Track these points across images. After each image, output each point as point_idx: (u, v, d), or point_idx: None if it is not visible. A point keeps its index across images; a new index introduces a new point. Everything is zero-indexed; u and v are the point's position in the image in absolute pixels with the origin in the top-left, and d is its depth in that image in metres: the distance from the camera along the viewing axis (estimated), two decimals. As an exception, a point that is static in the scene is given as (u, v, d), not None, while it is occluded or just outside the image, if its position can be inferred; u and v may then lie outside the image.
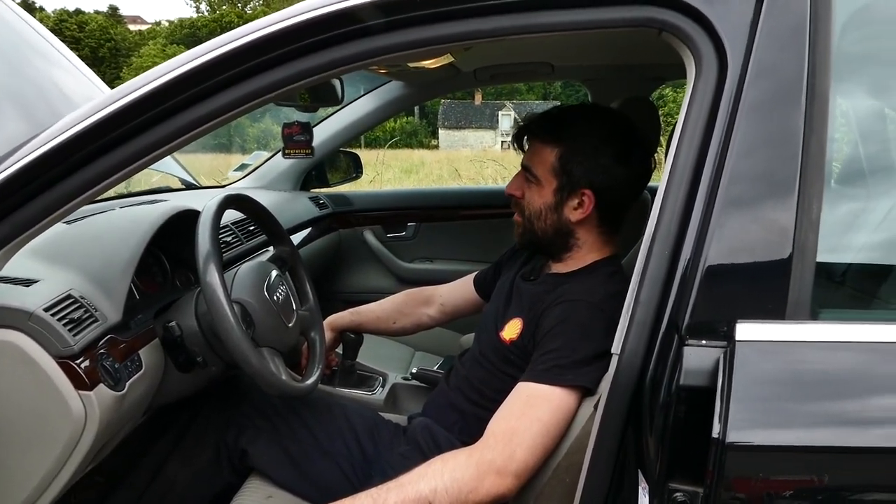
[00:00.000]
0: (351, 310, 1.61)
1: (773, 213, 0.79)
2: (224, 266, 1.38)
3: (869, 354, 0.75)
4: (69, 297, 1.05)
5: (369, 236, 2.43)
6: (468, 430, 1.17)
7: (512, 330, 1.18)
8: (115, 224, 1.30)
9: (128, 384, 1.08)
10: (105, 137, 0.90)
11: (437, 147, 30.26)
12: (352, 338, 1.61)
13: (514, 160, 1.26)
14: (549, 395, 1.01)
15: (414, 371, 1.71)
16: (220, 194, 1.27)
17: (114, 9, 50.52)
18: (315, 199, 2.33)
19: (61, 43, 2.14)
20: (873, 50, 0.91)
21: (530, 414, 1.01)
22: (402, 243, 2.44)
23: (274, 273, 1.31)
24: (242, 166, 2.49)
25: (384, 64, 1.40)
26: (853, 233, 0.85)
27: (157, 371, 1.20)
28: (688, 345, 0.77)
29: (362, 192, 2.68)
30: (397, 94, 2.18)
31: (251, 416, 1.33)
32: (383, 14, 0.91)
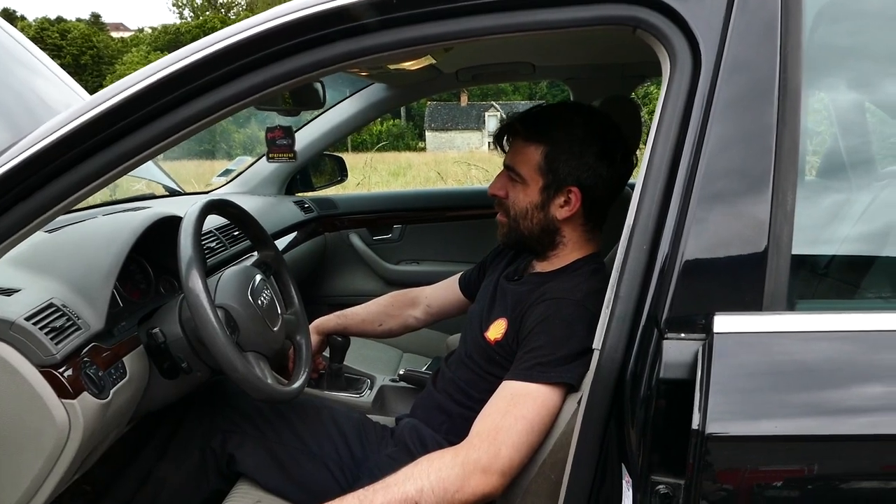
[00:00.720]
0: (337, 313, 1.61)
1: (748, 206, 0.80)
2: (209, 271, 1.38)
3: (847, 343, 0.76)
4: (51, 305, 1.05)
5: (355, 239, 2.43)
6: (455, 431, 1.18)
7: (496, 330, 1.19)
8: (97, 232, 1.30)
9: (112, 392, 1.08)
10: (84, 144, 0.89)
11: (424, 149, 30.27)
12: (339, 341, 1.61)
13: (500, 162, 1.27)
14: (533, 392, 1.02)
15: (401, 373, 1.71)
16: (201, 200, 1.27)
17: (96, 16, 50.16)
18: (300, 203, 2.33)
19: (41, 51, 2.13)
20: (845, 44, 0.93)
21: (515, 412, 1.01)
22: (388, 245, 2.45)
23: (258, 277, 1.31)
24: (226, 172, 2.49)
25: (364, 66, 1.40)
26: (829, 224, 0.86)
27: (142, 378, 1.19)
28: (667, 338, 0.78)
29: (347, 195, 2.67)
30: (380, 97, 2.19)
31: (237, 421, 1.33)
32: (362, 16, 0.92)
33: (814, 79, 0.88)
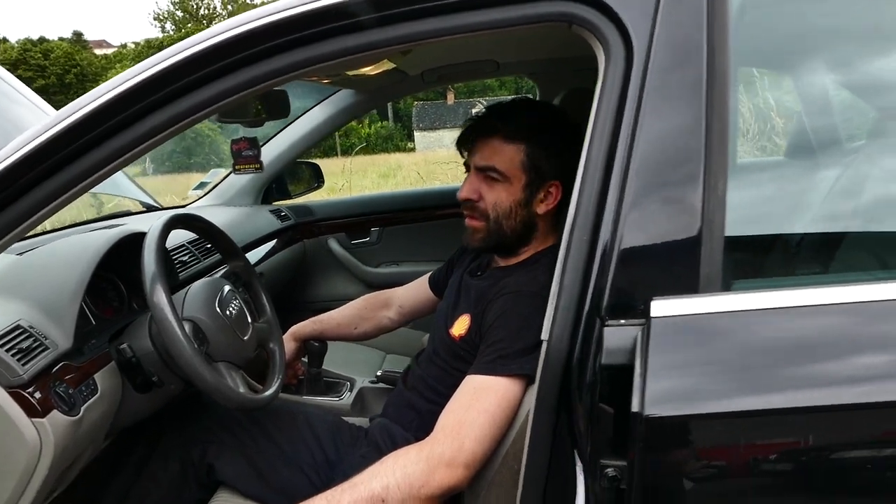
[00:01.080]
0: (312, 319, 1.63)
1: (680, 193, 0.82)
2: (181, 285, 1.40)
3: (779, 319, 0.78)
4: (18, 327, 1.07)
5: (334, 244, 2.45)
6: (425, 428, 1.19)
7: (460, 326, 1.21)
8: (63, 252, 1.31)
9: (83, 408, 1.10)
10: (47, 162, 0.92)
11: (413, 150, 30.26)
12: (316, 347, 1.63)
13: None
14: (494, 385, 1.04)
15: (379, 374, 1.73)
16: (165, 216, 1.29)
17: (78, 34, 49.97)
18: (276, 212, 2.34)
19: (8, 73, 2.14)
20: (772, 29, 0.95)
21: (477, 406, 1.03)
22: (366, 249, 2.47)
23: (226, 288, 1.33)
24: (201, 184, 2.50)
25: (318, 74, 1.42)
26: (760, 207, 0.88)
27: (115, 394, 1.21)
28: (608, 325, 0.80)
29: (324, 201, 2.69)
30: (348, 103, 2.20)
31: (215, 430, 1.35)
32: (304, 28, 0.95)
33: (742, 66, 0.90)
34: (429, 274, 1.59)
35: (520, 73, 2.30)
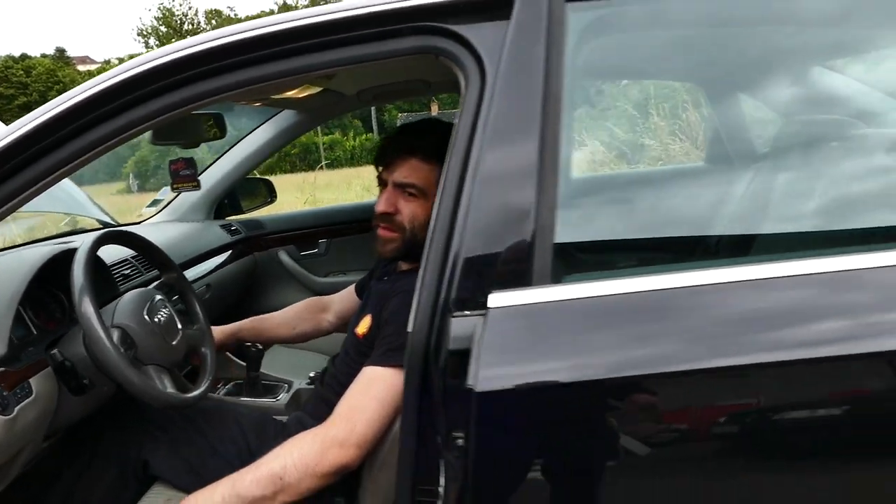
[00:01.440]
0: (252, 318, 1.75)
1: (517, 202, 0.95)
2: (119, 296, 1.51)
3: (601, 306, 0.91)
4: None
5: (284, 256, 2.57)
6: (335, 419, 1.32)
7: (363, 326, 1.33)
8: (1, 267, 1.43)
9: (17, 409, 1.21)
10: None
11: (397, 161, 30.29)
12: (253, 351, 1.75)
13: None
14: (383, 375, 1.17)
15: (312, 375, 1.85)
16: (97, 233, 1.40)
17: (61, 51, 49.78)
18: (227, 227, 2.46)
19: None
20: (607, 55, 1.09)
21: (369, 393, 1.16)
22: (315, 260, 2.59)
23: (157, 297, 1.45)
24: (154, 202, 2.62)
25: (233, 100, 1.54)
26: (587, 209, 1.02)
27: (50, 396, 1.32)
28: (454, 316, 0.93)
29: (274, 216, 2.81)
30: (291, 122, 2.33)
31: (150, 430, 1.46)
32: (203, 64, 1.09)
33: (577, 89, 1.03)
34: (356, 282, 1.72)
35: (451, 91, 2.44)
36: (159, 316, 1.41)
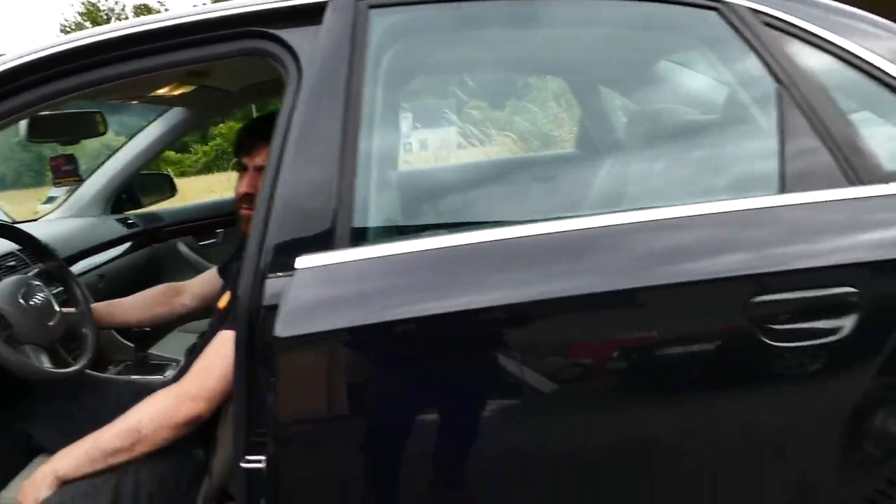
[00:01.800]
0: (107, 302, 1.86)
1: (322, 180, 1.12)
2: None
3: (390, 264, 1.09)
4: None
5: (182, 247, 2.68)
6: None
7: (224, 300, 1.49)
8: None
9: None
10: None
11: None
12: (137, 332, 1.88)
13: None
14: (232, 337, 1.32)
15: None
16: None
17: (-25, 55, 47.46)
18: (124, 220, 2.56)
19: None
20: (407, 55, 1.27)
21: (219, 353, 1.31)
22: (214, 249, 2.71)
23: (34, 283, 1.57)
24: (50, 199, 2.69)
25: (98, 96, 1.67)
26: (381, 186, 1.20)
27: None
28: (268, 278, 1.10)
29: (172, 208, 2.91)
30: (181, 119, 2.45)
31: (35, 406, 1.58)
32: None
33: (377, 83, 1.21)
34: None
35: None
36: (35, 300, 1.53)
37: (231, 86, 2.27)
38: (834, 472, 1.07)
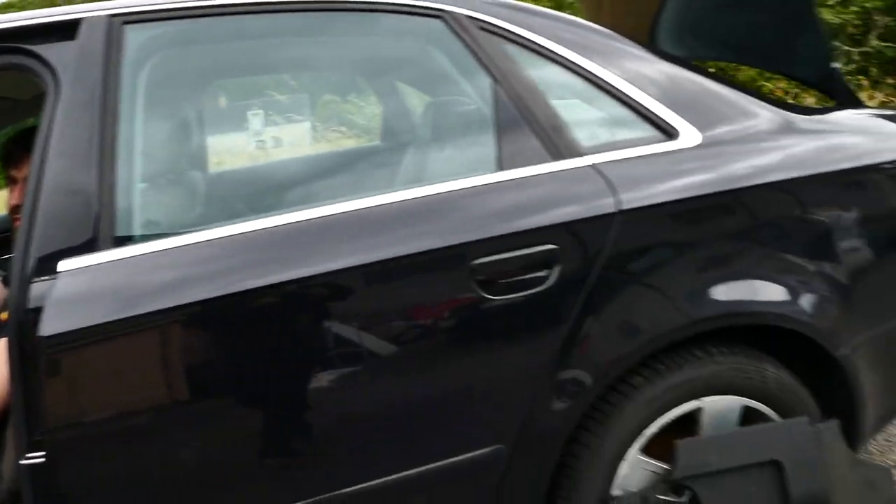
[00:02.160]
0: None
1: (82, 186, 1.19)
2: None
3: (152, 260, 1.18)
4: None
5: None
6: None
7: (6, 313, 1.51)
8: None
9: None
10: None
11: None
12: None
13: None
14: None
15: None
16: None
17: None
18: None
19: None
20: (164, 65, 1.37)
21: (1, 359, 1.35)
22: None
23: None
24: None
25: None
26: (144, 188, 1.30)
27: None
28: (33, 283, 1.15)
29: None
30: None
31: None
32: None
33: (136, 93, 1.30)
34: None
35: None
36: None
37: (20, 94, 2.22)
38: (547, 401, 1.29)
